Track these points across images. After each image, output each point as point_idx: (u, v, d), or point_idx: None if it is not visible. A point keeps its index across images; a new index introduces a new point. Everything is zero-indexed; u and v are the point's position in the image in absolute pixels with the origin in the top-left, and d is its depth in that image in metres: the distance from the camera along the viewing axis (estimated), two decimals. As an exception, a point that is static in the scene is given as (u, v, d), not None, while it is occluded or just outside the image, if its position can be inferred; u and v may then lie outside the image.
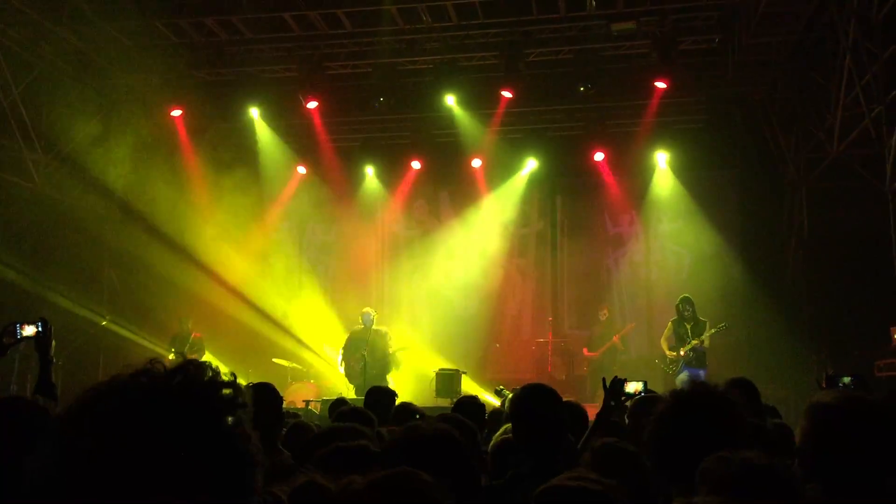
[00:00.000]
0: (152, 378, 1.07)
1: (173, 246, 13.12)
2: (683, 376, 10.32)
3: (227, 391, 1.11)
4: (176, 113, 12.84)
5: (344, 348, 12.06)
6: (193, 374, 1.09)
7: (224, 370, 1.23)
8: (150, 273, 13.08)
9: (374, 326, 11.89)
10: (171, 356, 11.79)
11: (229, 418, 1.08)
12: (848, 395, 2.23)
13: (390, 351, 11.90)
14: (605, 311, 13.00)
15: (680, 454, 1.98)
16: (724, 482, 1.63)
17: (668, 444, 2.12)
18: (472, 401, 5.35)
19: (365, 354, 11.43)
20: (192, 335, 12.26)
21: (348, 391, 11.56)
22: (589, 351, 12.73)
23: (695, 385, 2.29)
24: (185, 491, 0.99)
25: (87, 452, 0.99)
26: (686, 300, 10.79)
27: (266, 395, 3.89)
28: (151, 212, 13.06)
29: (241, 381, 1.18)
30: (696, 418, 2.11)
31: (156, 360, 1.11)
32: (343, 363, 11.99)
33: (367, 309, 12.23)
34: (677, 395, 2.28)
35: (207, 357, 11.96)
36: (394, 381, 11.69)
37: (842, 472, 2.01)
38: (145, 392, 1.05)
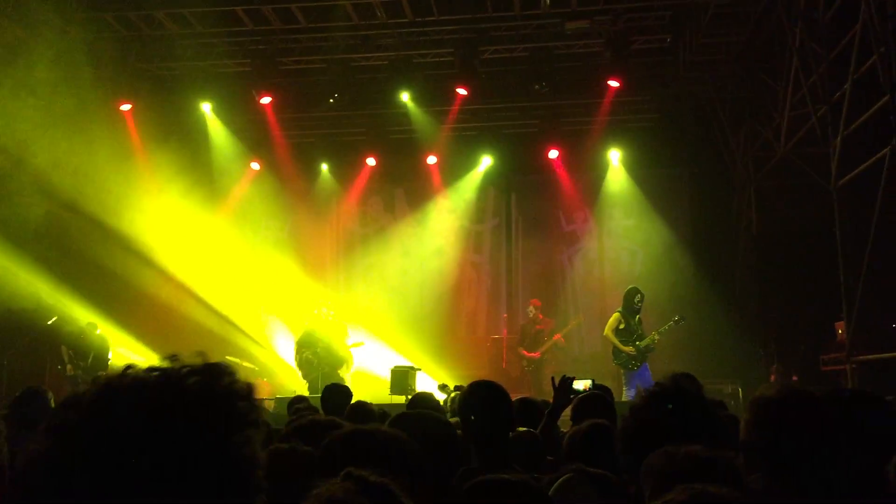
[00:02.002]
0: (166, 377, 1.00)
1: (121, 243, 12.88)
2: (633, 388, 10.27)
3: (242, 405, 1.01)
4: (125, 107, 12.57)
5: (297, 343, 11.78)
6: (210, 378, 1.00)
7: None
8: (100, 270, 12.80)
9: (329, 321, 11.70)
10: (64, 351, 11.59)
11: (237, 436, 0.98)
12: (790, 389, 2.28)
13: (345, 346, 11.72)
14: (531, 307, 12.57)
15: (650, 448, 2.00)
16: (668, 476, 1.65)
17: (639, 438, 2.14)
18: (427, 397, 5.35)
19: (318, 350, 11.31)
20: (102, 338, 11.86)
21: (302, 389, 11.45)
22: (528, 351, 12.18)
23: (671, 381, 2.32)
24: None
25: (78, 450, 0.91)
26: (640, 292, 10.74)
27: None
28: (98, 208, 12.79)
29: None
30: (669, 413, 2.15)
31: (174, 357, 1.04)
32: (296, 358, 11.72)
33: (321, 303, 12.04)
34: (653, 391, 2.31)
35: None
36: (348, 377, 11.58)
37: (781, 463, 2.06)
38: (154, 391, 0.97)
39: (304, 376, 11.51)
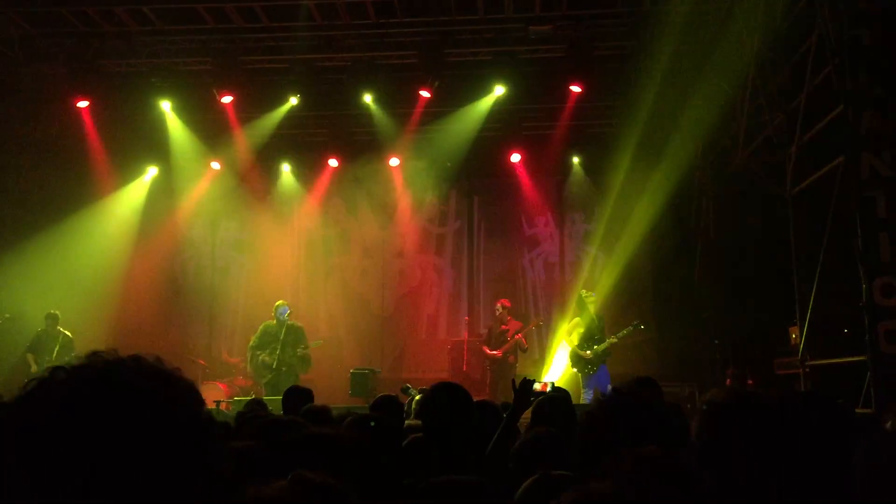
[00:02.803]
0: (100, 373, 0.98)
1: (76, 242, 12.66)
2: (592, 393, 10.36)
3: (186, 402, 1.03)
4: (83, 104, 12.34)
5: (254, 344, 11.35)
6: (144, 371, 1.00)
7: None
8: (53, 272, 12.55)
9: (288, 321, 11.35)
10: (31, 359, 11.26)
11: (182, 435, 0.98)
12: (737, 392, 2.33)
13: (304, 347, 11.31)
14: (499, 306, 12.41)
15: (606, 452, 2.02)
16: (619, 476, 1.67)
17: (594, 442, 2.16)
18: (390, 400, 5.33)
19: (274, 352, 11.09)
20: (63, 335, 11.40)
21: (258, 391, 11.32)
22: (490, 349, 12.13)
23: (627, 386, 2.36)
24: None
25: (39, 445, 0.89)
26: (594, 295, 10.83)
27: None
28: (53, 206, 12.57)
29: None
30: (624, 418, 2.17)
31: (98, 353, 1.03)
32: (251, 359, 11.33)
33: (280, 302, 11.56)
34: (608, 396, 2.33)
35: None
36: (306, 379, 11.43)
37: (731, 464, 2.10)
38: (87, 388, 0.95)
39: (258, 378, 11.26)
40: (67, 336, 11.43)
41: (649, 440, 1.86)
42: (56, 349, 11.14)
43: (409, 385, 8.20)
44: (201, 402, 1.04)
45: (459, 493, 1.87)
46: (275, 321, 11.35)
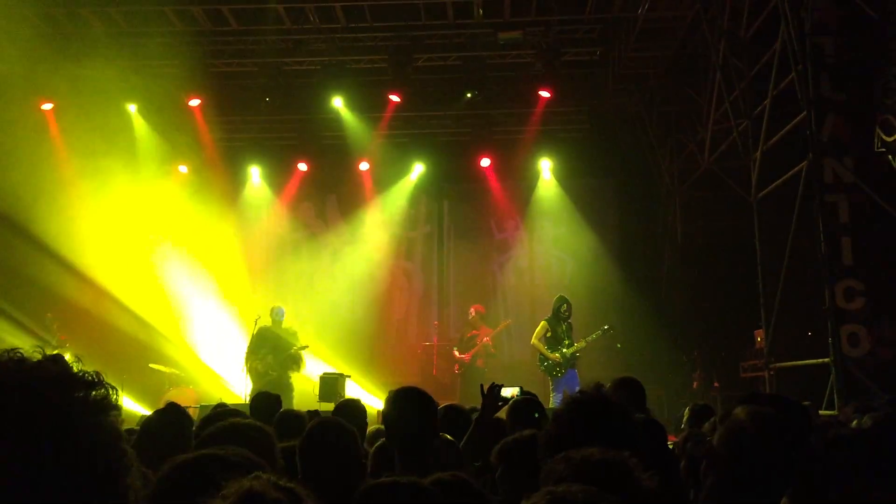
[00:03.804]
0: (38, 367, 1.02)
1: (39, 246, 12.45)
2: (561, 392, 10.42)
3: (99, 392, 1.06)
4: (47, 106, 12.16)
5: (251, 347, 11.25)
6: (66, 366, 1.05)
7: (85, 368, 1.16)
8: (14, 274, 12.33)
9: (276, 324, 11.30)
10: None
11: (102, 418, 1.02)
12: (756, 412, 2.38)
13: (296, 348, 11.26)
14: (473, 311, 12.45)
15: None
16: (562, 479, 1.69)
17: (560, 445, 2.18)
18: (354, 404, 5.33)
19: (265, 356, 10.98)
20: (59, 337, 11.52)
21: (227, 396, 11.22)
22: (459, 353, 12.13)
23: (593, 388, 2.38)
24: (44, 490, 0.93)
25: None
26: (566, 300, 10.92)
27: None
28: (15, 210, 12.35)
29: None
30: (590, 422, 2.19)
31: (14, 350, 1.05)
32: (247, 362, 11.20)
33: (277, 304, 11.55)
34: (575, 399, 2.35)
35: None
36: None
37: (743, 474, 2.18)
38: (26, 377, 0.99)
39: (255, 381, 11.09)
40: (62, 339, 11.55)
41: (614, 442, 1.88)
42: (54, 350, 11.14)
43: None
44: (69, 391, 1.06)
45: (396, 493, 1.89)
46: (270, 323, 11.33)
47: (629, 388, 4.19)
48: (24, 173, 12.18)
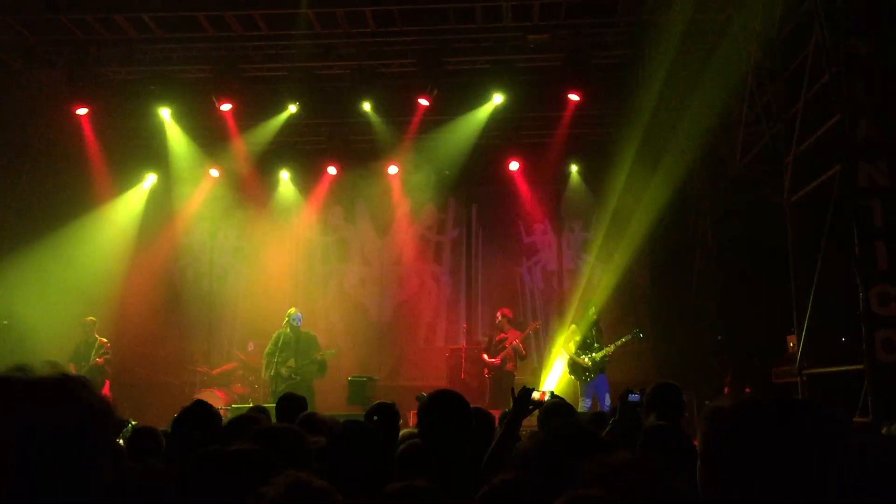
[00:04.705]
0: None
1: (78, 249, 12.66)
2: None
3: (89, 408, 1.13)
4: (82, 111, 12.36)
5: (269, 351, 11.42)
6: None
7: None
8: (51, 278, 12.54)
9: (299, 330, 11.45)
10: (73, 369, 11.25)
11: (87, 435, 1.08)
12: (742, 401, 2.34)
13: (317, 355, 11.43)
14: (499, 315, 12.41)
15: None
16: (600, 480, 1.70)
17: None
18: (387, 408, 5.32)
19: (288, 361, 11.09)
20: (99, 342, 11.61)
21: (259, 400, 11.32)
22: (489, 357, 12.10)
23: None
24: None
25: None
26: (595, 304, 10.88)
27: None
28: (52, 213, 12.57)
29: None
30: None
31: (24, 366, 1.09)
32: (266, 366, 11.38)
33: (293, 309, 11.67)
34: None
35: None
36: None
37: (736, 473, 2.12)
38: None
39: (274, 388, 11.21)
40: (103, 342, 11.60)
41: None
42: (92, 355, 11.30)
43: (424, 393, 8.18)
44: (70, 402, 1.09)
45: (413, 497, 1.91)
46: (288, 329, 11.41)
47: (666, 392, 4.18)
48: (60, 177, 12.39)
